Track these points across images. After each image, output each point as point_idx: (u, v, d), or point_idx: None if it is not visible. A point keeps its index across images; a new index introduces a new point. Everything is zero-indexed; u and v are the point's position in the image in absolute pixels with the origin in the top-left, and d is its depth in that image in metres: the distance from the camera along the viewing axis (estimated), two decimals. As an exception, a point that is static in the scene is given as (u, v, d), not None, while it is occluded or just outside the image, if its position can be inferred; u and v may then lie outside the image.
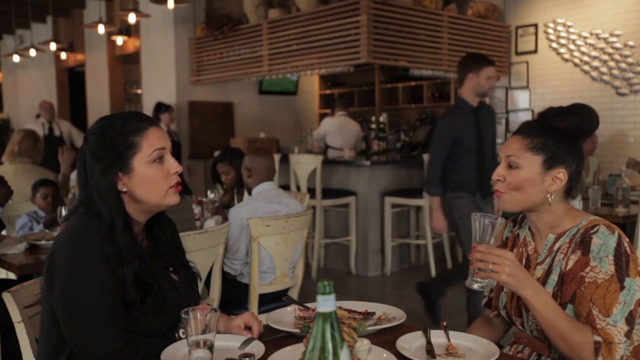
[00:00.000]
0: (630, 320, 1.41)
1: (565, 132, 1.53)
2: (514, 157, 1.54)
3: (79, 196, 1.53)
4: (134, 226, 1.53)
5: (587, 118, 1.54)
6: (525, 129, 1.57)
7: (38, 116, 7.63)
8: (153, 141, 1.51)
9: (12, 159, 4.15)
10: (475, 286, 1.48)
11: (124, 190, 1.50)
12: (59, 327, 1.44)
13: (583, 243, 1.47)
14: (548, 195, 1.53)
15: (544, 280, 1.54)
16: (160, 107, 6.60)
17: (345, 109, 6.70)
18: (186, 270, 1.68)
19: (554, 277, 1.52)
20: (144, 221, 1.58)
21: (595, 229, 1.47)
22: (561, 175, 1.52)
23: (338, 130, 6.45)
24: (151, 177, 1.50)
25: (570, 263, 1.48)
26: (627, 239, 1.46)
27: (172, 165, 1.54)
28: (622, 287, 1.40)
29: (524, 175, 1.53)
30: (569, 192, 1.56)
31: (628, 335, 1.41)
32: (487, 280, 1.46)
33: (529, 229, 1.65)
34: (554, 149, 1.52)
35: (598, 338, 1.39)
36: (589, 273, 1.44)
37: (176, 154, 6.62)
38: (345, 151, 6.18)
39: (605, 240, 1.44)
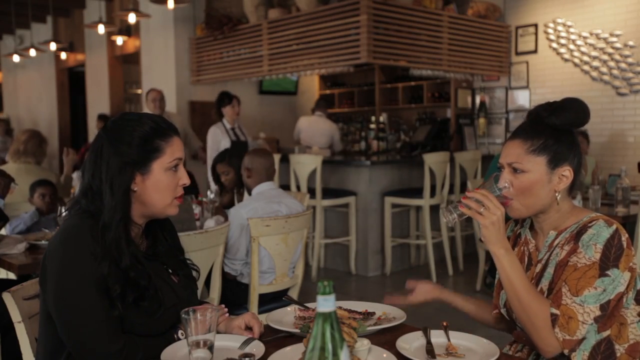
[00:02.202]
0: (605, 307, 1.42)
1: (562, 128, 1.53)
2: (518, 162, 1.53)
3: (83, 184, 1.52)
4: (132, 228, 1.53)
5: (581, 112, 1.54)
6: (523, 132, 1.56)
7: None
8: (175, 150, 1.53)
9: (17, 158, 4.15)
10: (448, 217, 1.51)
11: (135, 189, 1.50)
12: (55, 328, 1.44)
13: (578, 234, 1.48)
14: (557, 194, 1.53)
15: (540, 274, 1.55)
16: (223, 99, 5.60)
17: (322, 109, 6.80)
18: (186, 270, 1.68)
19: (550, 270, 1.53)
20: (143, 224, 1.58)
21: (593, 222, 1.48)
22: (567, 172, 1.53)
23: (307, 128, 6.60)
24: (164, 184, 1.52)
25: (563, 253, 1.50)
26: (626, 234, 1.46)
27: (183, 176, 1.56)
28: (602, 275, 1.41)
29: (531, 178, 1.52)
30: (573, 187, 1.57)
31: (597, 320, 1.42)
32: (456, 219, 1.50)
33: (530, 227, 1.65)
34: (556, 148, 1.52)
35: (555, 311, 1.42)
36: (572, 258, 1.46)
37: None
38: (314, 149, 6.22)
39: (598, 231, 1.45)
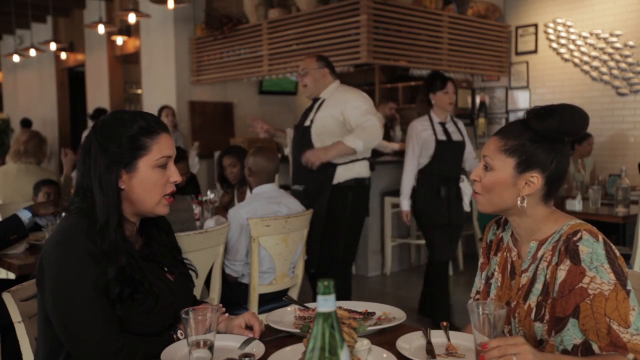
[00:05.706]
0: None
1: (543, 134, 1.47)
2: (488, 158, 1.50)
3: (77, 183, 1.53)
4: (126, 226, 1.53)
5: (569, 121, 1.45)
6: (505, 130, 1.53)
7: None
8: (163, 147, 1.52)
9: (18, 159, 4.15)
10: None
11: (122, 187, 1.50)
12: (54, 329, 1.44)
13: (569, 251, 1.41)
14: (519, 199, 1.48)
15: (528, 289, 1.50)
16: (434, 82, 3.91)
17: None
18: (182, 269, 1.68)
19: (538, 286, 1.47)
20: (137, 222, 1.58)
21: (578, 235, 1.41)
22: (534, 179, 1.46)
23: None
24: (151, 181, 1.51)
25: (562, 274, 1.41)
26: (610, 242, 1.42)
27: (173, 174, 1.55)
28: (627, 292, 1.36)
29: (496, 177, 1.49)
30: (549, 195, 1.50)
31: None
32: None
33: (512, 234, 1.60)
34: (530, 152, 1.46)
35: (631, 356, 1.33)
36: (590, 284, 1.37)
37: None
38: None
39: (593, 248, 1.39)
